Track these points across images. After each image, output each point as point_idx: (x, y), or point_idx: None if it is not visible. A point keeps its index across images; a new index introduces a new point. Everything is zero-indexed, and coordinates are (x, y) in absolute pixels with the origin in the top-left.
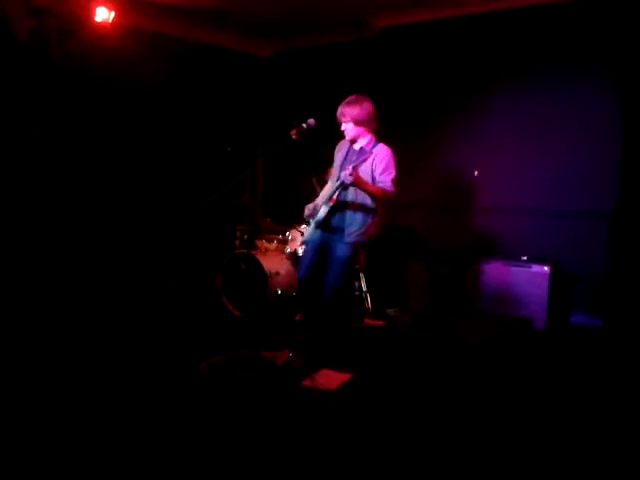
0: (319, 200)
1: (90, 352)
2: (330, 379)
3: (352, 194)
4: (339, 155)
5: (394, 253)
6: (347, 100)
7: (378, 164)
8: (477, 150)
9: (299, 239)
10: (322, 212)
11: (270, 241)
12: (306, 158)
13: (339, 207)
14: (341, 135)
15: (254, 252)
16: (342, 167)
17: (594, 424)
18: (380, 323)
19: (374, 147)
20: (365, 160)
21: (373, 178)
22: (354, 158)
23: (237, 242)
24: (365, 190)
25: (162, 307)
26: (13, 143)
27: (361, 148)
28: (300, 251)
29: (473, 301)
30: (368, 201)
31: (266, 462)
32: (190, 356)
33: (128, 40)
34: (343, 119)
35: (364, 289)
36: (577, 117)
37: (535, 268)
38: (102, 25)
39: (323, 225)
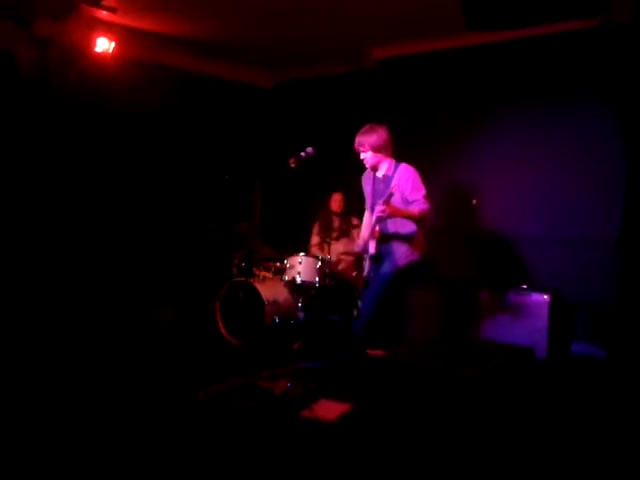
0: (363, 232)
1: (87, 380)
2: (329, 409)
3: (391, 222)
4: (367, 187)
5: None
6: (362, 130)
7: (405, 184)
8: (478, 178)
9: (297, 267)
10: (371, 247)
11: (268, 269)
12: (305, 186)
13: (384, 237)
14: (341, 164)
15: (252, 280)
16: (373, 197)
17: (597, 454)
18: (380, 352)
19: (395, 170)
20: (391, 188)
21: (405, 199)
22: (381, 187)
23: (235, 270)
24: (402, 216)
25: (159, 335)
26: (13, 172)
27: (384, 176)
28: (298, 279)
29: (473, 330)
30: (408, 223)
31: None
32: (188, 385)
33: (128, 70)
34: (361, 149)
35: None
36: (580, 145)
37: (535, 297)
38: (102, 55)
39: (375, 258)
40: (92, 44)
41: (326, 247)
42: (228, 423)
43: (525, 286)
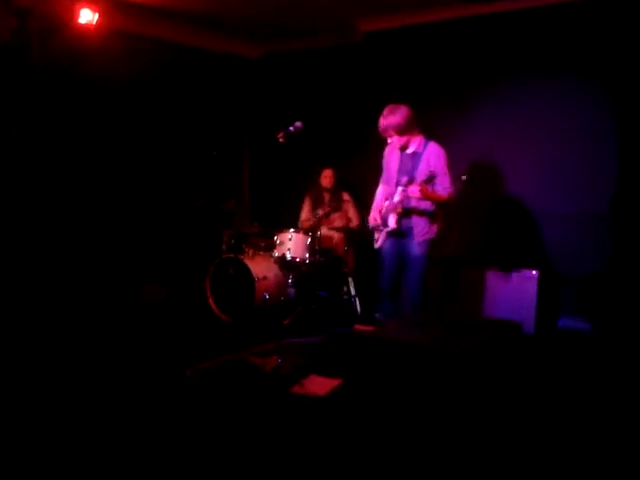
0: (378, 205)
1: (76, 357)
2: (319, 385)
3: (415, 199)
4: (392, 162)
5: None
6: (383, 114)
7: (436, 165)
8: (467, 154)
9: (287, 243)
10: (391, 221)
11: (258, 245)
12: (295, 161)
13: (405, 213)
14: (331, 138)
15: (242, 256)
16: (399, 174)
17: (586, 427)
18: (369, 328)
19: (425, 148)
20: (430, 172)
21: (431, 176)
22: (409, 164)
23: (224, 247)
24: (432, 200)
25: (149, 311)
26: None
27: (414, 153)
28: (288, 255)
29: (461, 305)
30: (431, 206)
31: (255, 469)
32: (177, 362)
33: (112, 42)
34: (386, 133)
35: (353, 293)
36: (571, 121)
37: (524, 272)
38: (86, 27)
39: (395, 232)
40: (75, 15)
41: (316, 222)
42: (218, 400)
43: (514, 262)
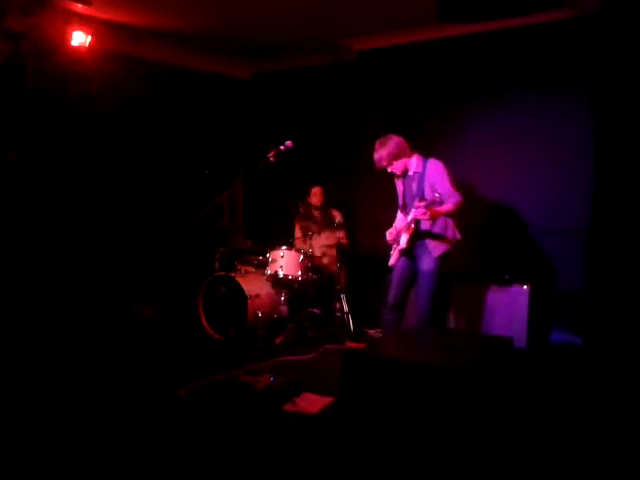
0: (398, 225)
1: (65, 376)
2: (312, 403)
3: (425, 220)
4: (398, 188)
5: (375, 273)
6: (375, 149)
7: (437, 180)
8: (455, 169)
9: (279, 260)
10: (403, 241)
11: (250, 263)
12: (287, 179)
13: (417, 233)
14: (321, 157)
15: (234, 274)
16: (404, 196)
17: (580, 439)
18: (361, 345)
19: (425, 166)
20: (434, 197)
21: (435, 191)
22: (414, 185)
23: (217, 264)
24: (440, 215)
25: (143, 330)
26: None
27: (414, 173)
28: (281, 273)
29: (453, 321)
30: (441, 219)
31: None
32: (169, 381)
33: (105, 64)
34: (383, 164)
35: (345, 310)
36: (553, 136)
37: (515, 287)
38: (79, 49)
39: (406, 252)
40: (68, 38)
41: (308, 241)
42: (210, 419)
43: (506, 276)
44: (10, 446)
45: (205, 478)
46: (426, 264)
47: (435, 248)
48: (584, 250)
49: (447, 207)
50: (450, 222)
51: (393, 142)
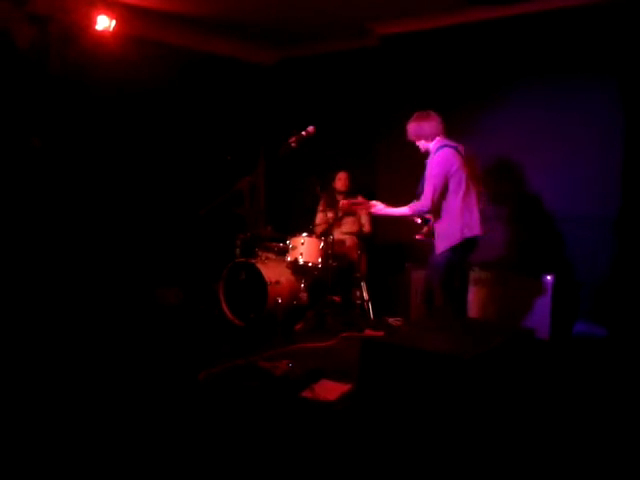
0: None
1: (88, 360)
2: (329, 390)
3: (432, 218)
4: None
5: (396, 261)
6: (410, 119)
7: (428, 176)
8: (480, 157)
9: (300, 247)
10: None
11: (271, 249)
12: (309, 165)
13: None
14: (346, 142)
15: (254, 261)
16: (421, 183)
17: (602, 434)
18: (380, 333)
19: (435, 155)
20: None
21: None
22: (425, 172)
23: (237, 251)
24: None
25: (164, 315)
26: (11, 152)
27: (427, 162)
28: (301, 260)
29: (474, 310)
30: (442, 220)
31: (265, 474)
32: (189, 366)
33: (129, 49)
34: (411, 139)
35: (365, 298)
36: (581, 123)
37: (538, 277)
38: (103, 33)
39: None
40: (92, 22)
41: (329, 226)
42: (229, 404)
43: (529, 266)
44: (25, 432)
45: (223, 462)
46: (431, 258)
47: (438, 245)
48: (611, 239)
49: (402, 210)
50: (455, 220)
51: (419, 120)
